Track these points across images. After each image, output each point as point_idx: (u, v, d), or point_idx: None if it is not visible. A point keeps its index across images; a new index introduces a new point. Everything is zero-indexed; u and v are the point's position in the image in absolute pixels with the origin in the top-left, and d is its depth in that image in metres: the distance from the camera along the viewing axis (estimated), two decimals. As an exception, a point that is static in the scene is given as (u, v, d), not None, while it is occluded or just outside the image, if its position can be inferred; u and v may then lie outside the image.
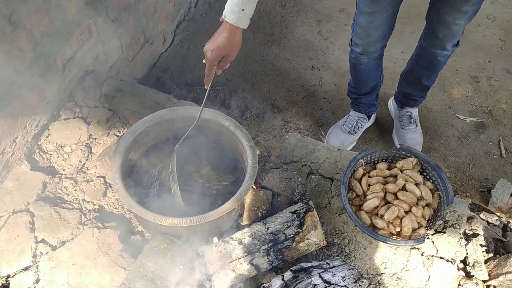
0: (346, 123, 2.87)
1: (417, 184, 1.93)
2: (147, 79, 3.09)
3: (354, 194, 1.95)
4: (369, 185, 1.94)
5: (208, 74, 1.71)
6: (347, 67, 3.18)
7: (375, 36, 2.23)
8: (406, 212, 1.89)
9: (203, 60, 1.68)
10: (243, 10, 1.55)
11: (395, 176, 1.96)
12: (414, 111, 2.87)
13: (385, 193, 1.93)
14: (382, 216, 1.88)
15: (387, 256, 1.92)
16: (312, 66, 3.31)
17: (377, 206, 1.91)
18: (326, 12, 3.67)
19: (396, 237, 1.89)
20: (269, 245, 1.79)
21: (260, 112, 2.96)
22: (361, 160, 1.99)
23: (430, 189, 1.94)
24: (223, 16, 1.59)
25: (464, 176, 2.78)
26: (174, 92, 2.97)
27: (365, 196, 1.94)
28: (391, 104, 3.02)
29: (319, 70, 3.28)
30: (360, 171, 1.99)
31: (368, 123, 2.93)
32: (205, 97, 1.77)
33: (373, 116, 2.97)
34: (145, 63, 3.05)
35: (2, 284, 1.81)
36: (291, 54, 3.37)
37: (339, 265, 1.77)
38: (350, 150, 2.74)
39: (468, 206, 2.08)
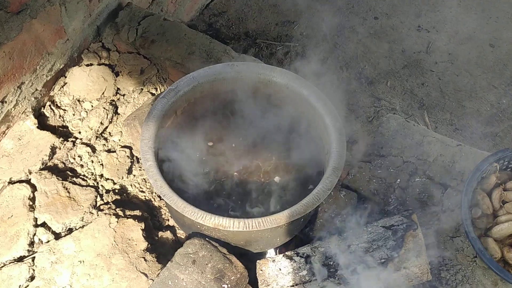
0: None
1: None
2: (197, 23, 2.99)
3: (480, 212, 1.78)
4: (504, 202, 1.79)
5: None
6: (469, 32, 3.04)
7: None
8: (558, 249, 1.67)
9: None
10: None
11: (545, 194, 1.74)
12: None
13: (528, 216, 1.73)
14: (520, 250, 1.68)
15: (517, 307, 1.70)
16: (419, 26, 3.13)
17: (514, 234, 1.72)
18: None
19: (538, 283, 1.63)
20: (349, 270, 1.65)
21: (342, 82, 2.81)
22: (495, 164, 1.81)
23: None
24: None
25: None
26: (230, 44, 2.86)
27: (495, 216, 1.77)
28: None
29: (429, 32, 3.09)
30: (492, 179, 1.81)
31: None
32: None
33: None
34: (195, 2, 2.94)
35: (-14, 277, 1.71)
36: (391, 7, 3.19)
37: (450, 313, 1.56)
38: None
39: None
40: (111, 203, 1.88)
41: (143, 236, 1.79)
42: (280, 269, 1.66)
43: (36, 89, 2.04)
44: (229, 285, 1.59)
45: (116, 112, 2.10)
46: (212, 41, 2.25)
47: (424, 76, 2.89)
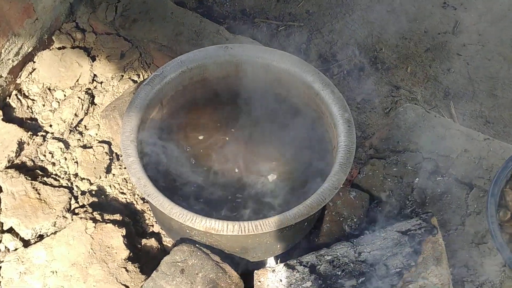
0: None
1: None
2: (185, 0, 2.97)
3: (509, 215, 1.84)
4: (536, 203, 1.82)
5: None
6: (503, 9, 3.06)
7: None
8: None
9: None
10: None
11: None
12: None
13: None
14: (554, 258, 1.73)
15: (551, 323, 1.78)
16: (445, 3, 3.14)
17: (548, 240, 1.77)
18: None
19: None
20: (360, 281, 1.72)
21: (354, 68, 2.85)
22: (526, 161, 1.86)
23: None
24: None
25: None
26: (224, 23, 2.87)
27: (527, 220, 1.82)
28: None
29: (456, 10, 3.11)
30: (523, 178, 1.86)
31: None
32: None
33: None
34: (184, -26, 2.96)
35: None
36: (412, -21, 3.20)
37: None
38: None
39: None
40: (87, 206, 1.94)
41: (124, 243, 1.85)
42: (280, 280, 1.72)
43: (1, 76, 2.09)
44: (222, 298, 1.66)
45: (92, 102, 2.16)
46: (203, 20, 2.31)
47: (450, 61, 2.91)
